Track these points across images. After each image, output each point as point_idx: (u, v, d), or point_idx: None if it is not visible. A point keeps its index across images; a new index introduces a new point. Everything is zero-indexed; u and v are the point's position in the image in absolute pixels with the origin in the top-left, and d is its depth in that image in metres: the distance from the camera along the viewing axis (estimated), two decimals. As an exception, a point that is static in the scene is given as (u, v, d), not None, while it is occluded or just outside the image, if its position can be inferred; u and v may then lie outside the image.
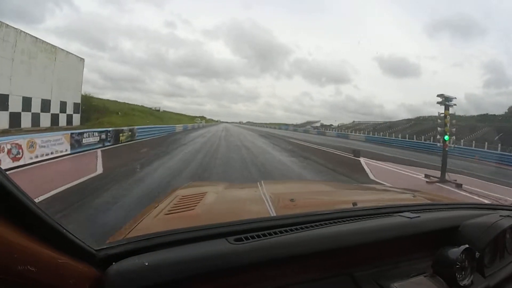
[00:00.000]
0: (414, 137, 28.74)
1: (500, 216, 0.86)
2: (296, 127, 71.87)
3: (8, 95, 13.99)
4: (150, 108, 46.16)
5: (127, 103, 39.41)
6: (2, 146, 5.79)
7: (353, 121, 63.18)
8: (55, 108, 17.86)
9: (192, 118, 67.05)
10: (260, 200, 1.12)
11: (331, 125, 68.28)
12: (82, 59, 21.39)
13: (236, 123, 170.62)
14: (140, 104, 44.65)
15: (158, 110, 47.63)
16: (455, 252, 0.67)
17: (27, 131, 12.28)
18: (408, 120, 48.58)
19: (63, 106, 18.66)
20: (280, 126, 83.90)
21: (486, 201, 4.47)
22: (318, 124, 72.68)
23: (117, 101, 37.29)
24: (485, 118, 36.86)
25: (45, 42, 16.88)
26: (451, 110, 7.05)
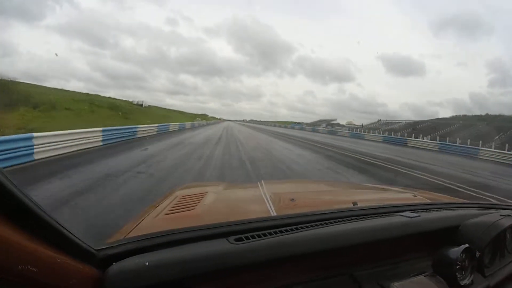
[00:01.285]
0: (493, 145, 20.23)
1: (500, 215, 0.86)
2: (308, 126, 60.98)
3: None
4: (131, 103, 36.96)
5: (82, 93, 28.16)
6: None
7: (379, 120, 53.42)
8: None
9: (193, 117, 62.12)
10: (261, 200, 1.12)
11: (338, 123, 62.74)
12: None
13: (239, 121, 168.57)
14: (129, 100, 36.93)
15: (141, 105, 37.91)
16: (455, 251, 0.67)
17: None
18: (439, 118, 41.35)
19: None
20: (298, 124, 71.20)
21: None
22: (324, 125, 62.74)
23: (56, 88, 27.25)
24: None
25: None
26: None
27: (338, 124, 60.45)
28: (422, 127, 37.03)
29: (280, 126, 70.25)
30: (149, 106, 41.98)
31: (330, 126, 55.19)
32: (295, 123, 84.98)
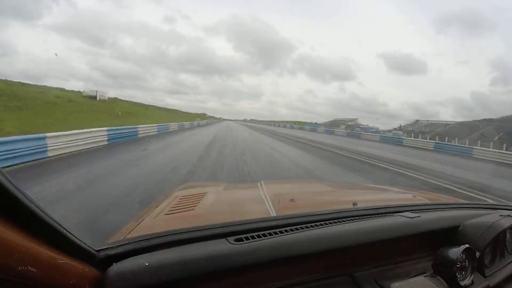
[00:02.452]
0: None
1: (500, 215, 0.86)
2: (325, 126, 48.44)
3: None
4: (81, 93, 27.02)
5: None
6: None
7: (417, 120, 43.13)
8: None
9: (192, 117, 58.31)
10: (260, 200, 1.12)
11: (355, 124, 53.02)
12: None
13: (240, 120, 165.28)
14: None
15: (94, 98, 26.83)
16: (456, 252, 0.67)
17: None
18: (487, 119, 32.23)
19: None
20: (314, 125, 55.40)
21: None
22: (343, 127, 47.66)
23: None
24: None
25: None
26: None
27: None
28: (486, 131, 29.40)
29: (277, 126, 55.07)
30: (109, 99, 30.27)
31: (359, 128, 40.84)
32: (301, 123, 69.43)
